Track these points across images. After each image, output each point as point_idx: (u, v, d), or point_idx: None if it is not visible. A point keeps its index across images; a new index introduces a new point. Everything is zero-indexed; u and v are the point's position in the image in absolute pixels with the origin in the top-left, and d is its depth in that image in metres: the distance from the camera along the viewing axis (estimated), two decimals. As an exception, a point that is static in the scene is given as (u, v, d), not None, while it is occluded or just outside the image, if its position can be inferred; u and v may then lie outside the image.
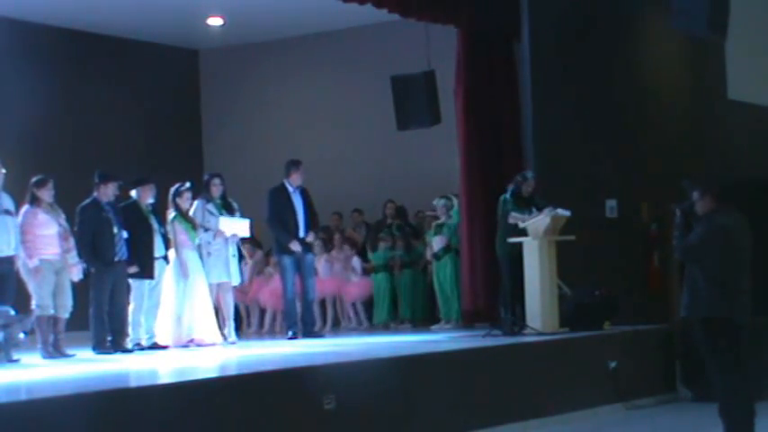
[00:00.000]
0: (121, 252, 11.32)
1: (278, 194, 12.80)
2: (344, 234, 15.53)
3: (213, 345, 11.99)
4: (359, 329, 14.64)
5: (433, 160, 15.49)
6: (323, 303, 15.07)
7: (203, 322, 12.08)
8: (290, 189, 12.81)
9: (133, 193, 11.87)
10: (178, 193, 12.26)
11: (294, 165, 12.90)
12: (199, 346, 11.96)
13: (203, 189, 12.63)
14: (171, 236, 12.07)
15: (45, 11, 15.09)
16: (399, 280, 14.70)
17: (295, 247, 12.60)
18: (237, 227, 12.55)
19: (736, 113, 15.84)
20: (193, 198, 12.53)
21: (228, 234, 12.40)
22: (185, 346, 11.98)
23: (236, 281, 12.64)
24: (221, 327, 12.60)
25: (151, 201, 11.94)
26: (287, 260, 12.73)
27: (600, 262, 13.13)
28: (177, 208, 12.22)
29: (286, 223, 12.69)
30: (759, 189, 14.02)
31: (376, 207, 15.67)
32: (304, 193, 12.89)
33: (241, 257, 13.17)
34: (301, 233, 12.72)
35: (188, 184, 12.38)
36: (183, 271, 11.99)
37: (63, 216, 11.05)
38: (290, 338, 12.64)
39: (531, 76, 13.40)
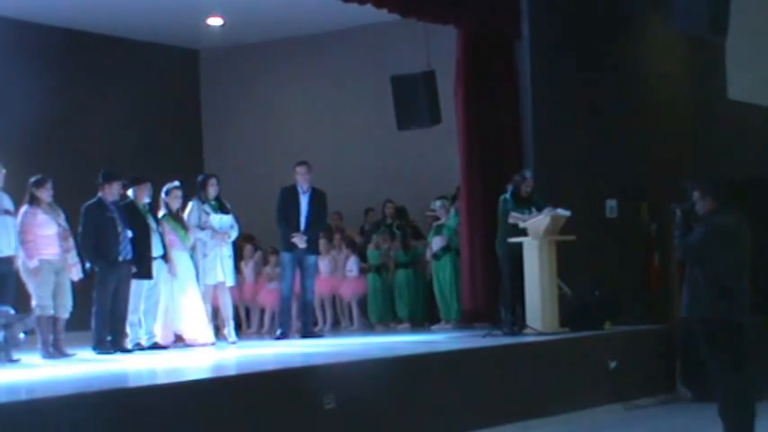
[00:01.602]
0: (126, 251, 11.32)
1: (286, 194, 12.85)
2: (344, 233, 15.52)
3: (204, 345, 11.96)
4: (357, 329, 14.63)
5: (433, 160, 15.49)
6: (321, 303, 15.08)
7: (193, 322, 12.04)
8: (301, 190, 12.83)
9: (130, 192, 11.86)
10: (168, 192, 12.26)
11: (294, 165, 12.92)
12: (189, 346, 11.95)
13: (199, 189, 12.59)
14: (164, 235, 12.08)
15: (45, 11, 15.09)
16: (395, 280, 14.68)
17: (298, 241, 12.59)
18: (224, 221, 12.45)
19: (737, 113, 15.83)
20: (188, 198, 12.53)
21: (215, 223, 12.30)
22: (175, 345, 11.98)
23: (230, 282, 12.60)
24: (221, 327, 12.60)
25: (147, 200, 11.93)
26: (287, 258, 12.74)
27: (600, 262, 13.12)
28: (167, 207, 12.22)
29: (290, 221, 12.71)
30: (759, 189, 14.01)
31: (376, 207, 15.66)
32: (315, 196, 12.88)
33: (237, 258, 13.15)
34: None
35: (177, 183, 12.37)
36: (171, 271, 11.98)
37: (63, 216, 11.02)
38: (279, 338, 12.61)
39: (531, 76, 13.40)
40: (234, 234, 12.58)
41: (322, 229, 13.54)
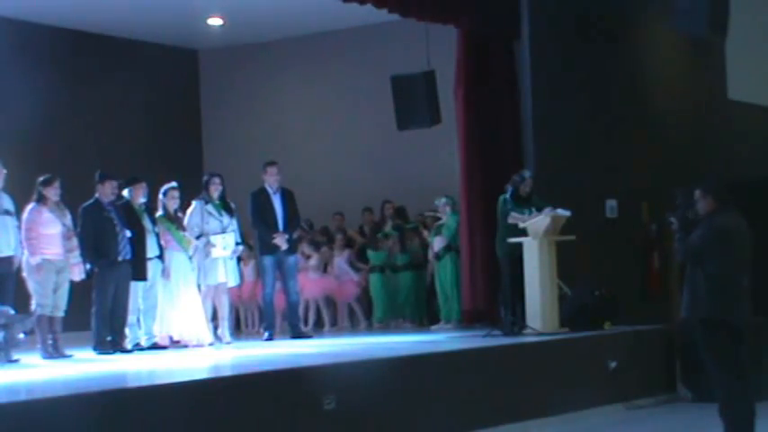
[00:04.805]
0: (125, 251, 11.32)
1: (258, 196, 12.83)
2: (346, 234, 15.51)
3: (199, 346, 11.94)
4: (357, 329, 14.63)
5: (433, 160, 15.48)
6: (325, 303, 15.09)
7: (190, 323, 12.03)
8: (270, 191, 12.82)
9: (125, 192, 11.85)
10: (165, 193, 12.26)
11: (264, 166, 12.94)
12: (185, 347, 11.95)
13: (203, 189, 12.58)
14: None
15: (45, 11, 15.10)
16: (397, 280, 14.68)
17: (280, 241, 12.59)
18: (228, 241, 12.43)
19: (737, 113, 15.85)
20: (191, 198, 12.52)
21: (217, 255, 12.29)
22: (174, 346, 11.98)
23: (233, 282, 12.60)
24: (218, 328, 12.56)
25: (143, 200, 11.92)
26: (268, 261, 12.74)
27: (600, 262, 13.13)
28: (164, 208, 12.22)
29: (267, 222, 12.71)
30: (759, 189, 14.02)
31: (375, 207, 15.65)
32: (285, 195, 12.88)
33: (239, 259, 13.17)
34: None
35: (174, 184, 12.36)
36: (164, 272, 11.99)
37: (69, 216, 11.06)
38: (267, 340, 12.61)
39: (531, 76, 13.40)
40: (240, 249, 12.65)
41: (297, 227, 13.52)
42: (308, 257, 14.78)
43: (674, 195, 8.55)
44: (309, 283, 14.49)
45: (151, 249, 11.82)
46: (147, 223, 11.83)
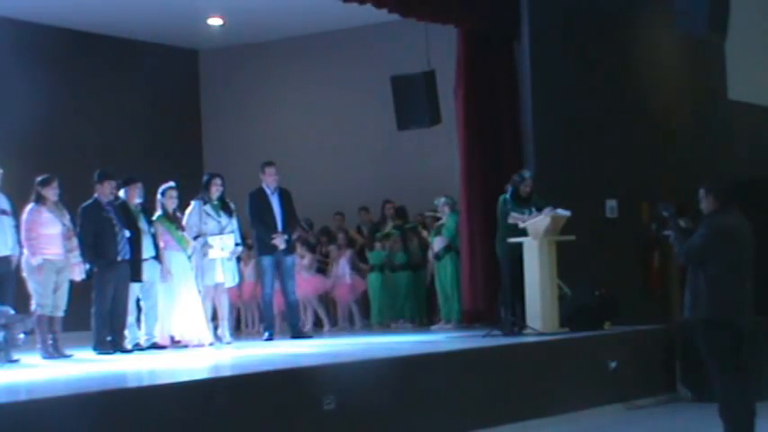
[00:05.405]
0: (124, 251, 11.32)
1: (256, 197, 12.83)
2: (348, 234, 15.50)
3: (200, 346, 11.94)
4: (355, 330, 14.63)
5: (433, 160, 15.49)
6: (324, 304, 15.10)
7: (190, 323, 12.03)
8: (268, 191, 12.83)
9: (121, 193, 11.83)
10: (163, 193, 12.25)
11: (262, 166, 12.93)
12: (185, 347, 11.95)
13: (202, 189, 12.56)
14: (158, 236, 12.06)
15: (45, 11, 15.10)
16: (396, 280, 14.69)
17: (279, 242, 12.60)
18: (226, 242, 12.44)
19: (737, 113, 15.84)
20: (191, 198, 12.51)
21: (214, 257, 12.29)
22: (174, 346, 11.98)
23: (231, 282, 12.60)
24: (218, 328, 12.56)
25: (139, 200, 11.90)
26: (266, 261, 12.74)
27: (600, 262, 13.12)
28: (163, 208, 12.21)
29: (266, 223, 12.72)
30: (759, 189, 14.01)
31: (375, 207, 15.65)
32: (283, 195, 12.88)
33: (239, 259, 13.17)
34: None
35: (172, 184, 12.34)
36: (162, 273, 11.97)
37: (68, 216, 11.06)
38: (267, 339, 12.62)
39: (531, 76, 13.40)
40: (239, 250, 12.65)
41: (295, 227, 13.53)
42: (301, 257, 14.80)
43: (659, 212, 8.57)
44: (303, 283, 14.51)
45: (147, 250, 11.80)
46: (142, 224, 11.81)
